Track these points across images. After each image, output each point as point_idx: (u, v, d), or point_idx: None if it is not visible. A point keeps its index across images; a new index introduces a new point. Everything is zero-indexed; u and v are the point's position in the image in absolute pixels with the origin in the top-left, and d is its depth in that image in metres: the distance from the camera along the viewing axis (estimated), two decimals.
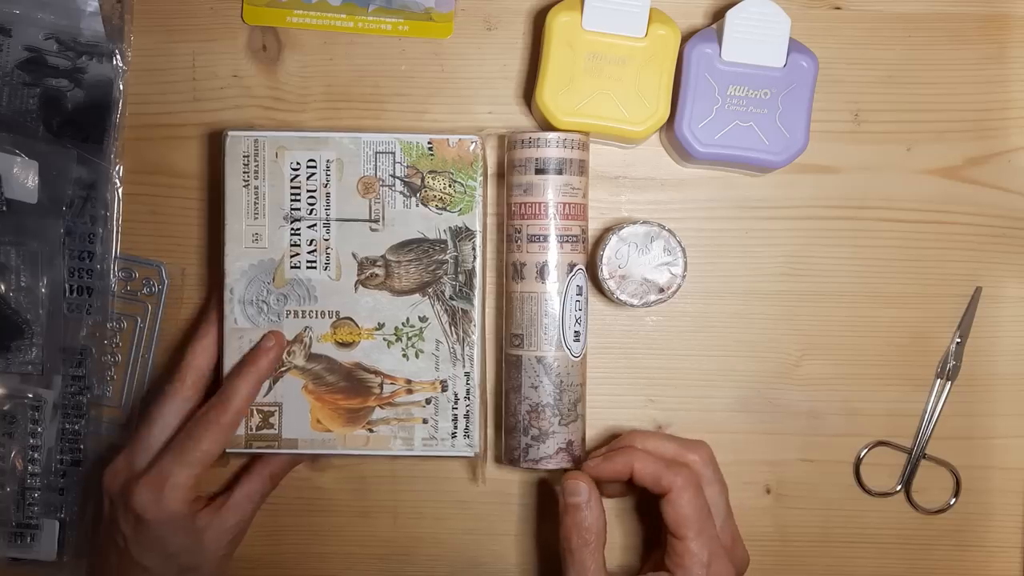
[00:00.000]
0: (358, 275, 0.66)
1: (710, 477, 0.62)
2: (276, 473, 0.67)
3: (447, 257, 0.66)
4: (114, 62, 0.68)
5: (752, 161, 0.65)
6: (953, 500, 0.70)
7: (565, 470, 0.64)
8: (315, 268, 0.65)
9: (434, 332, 0.66)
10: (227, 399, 0.62)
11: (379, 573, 0.70)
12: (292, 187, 0.65)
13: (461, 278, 0.66)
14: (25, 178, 0.66)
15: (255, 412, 0.65)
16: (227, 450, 0.66)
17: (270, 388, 0.65)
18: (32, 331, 0.67)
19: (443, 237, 0.66)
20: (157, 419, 0.63)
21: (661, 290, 0.65)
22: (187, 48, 0.70)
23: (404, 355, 0.66)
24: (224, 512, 0.64)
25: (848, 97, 0.70)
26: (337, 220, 0.65)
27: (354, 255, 0.65)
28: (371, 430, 0.66)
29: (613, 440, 0.64)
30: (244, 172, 0.65)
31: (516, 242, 0.65)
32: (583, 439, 0.66)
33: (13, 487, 0.67)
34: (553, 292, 0.64)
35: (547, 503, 0.70)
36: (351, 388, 0.66)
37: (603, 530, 0.60)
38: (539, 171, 0.64)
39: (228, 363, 0.65)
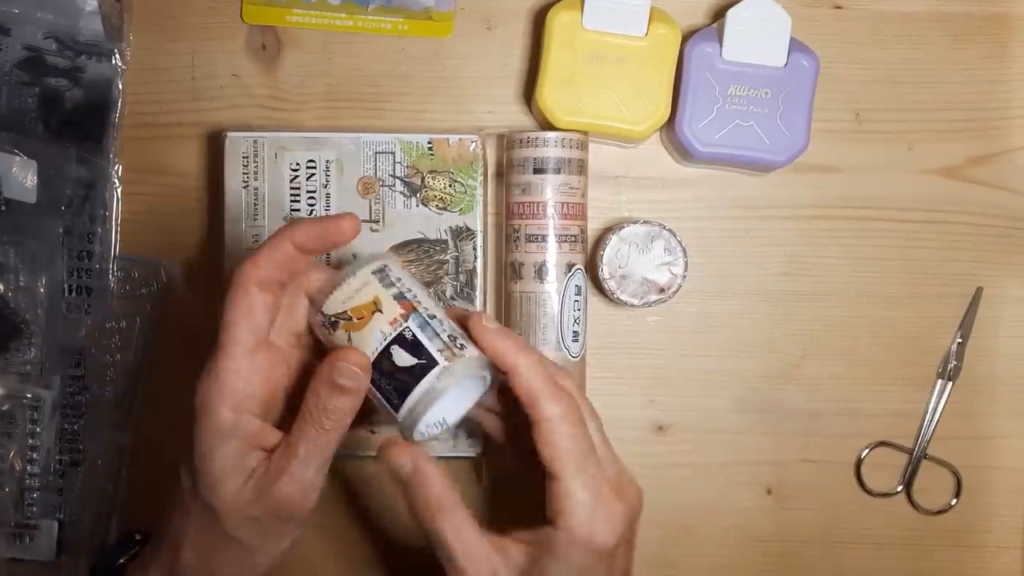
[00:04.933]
0: None
1: (587, 408, 0.54)
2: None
3: (448, 257, 0.66)
4: (113, 61, 0.68)
5: (753, 161, 0.65)
6: (954, 500, 0.70)
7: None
8: None
9: None
10: (254, 255, 0.51)
11: (379, 573, 0.70)
12: (292, 188, 0.65)
13: (462, 278, 0.66)
14: (24, 177, 0.66)
15: None
16: None
17: None
18: (31, 331, 0.67)
19: (444, 237, 0.66)
20: None
21: (661, 290, 0.64)
22: (186, 47, 0.70)
23: None
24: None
25: (849, 96, 0.70)
26: None
27: (355, 256, 0.65)
28: (373, 431, 0.65)
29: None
30: (244, 173, 0.65)
31: (514, 242, 0.65)
32: None
33: (12, 487, 0.67)
34: (551, 292, 0.64)
35: None
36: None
37: (450, 491, 0.51)
38: (537, 171, 0.64)
39: None
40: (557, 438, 0.50)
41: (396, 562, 0.70)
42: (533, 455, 0.51)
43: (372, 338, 0.50)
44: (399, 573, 0.70)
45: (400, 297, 0.50)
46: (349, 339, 0.50)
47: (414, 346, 0.49)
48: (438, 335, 0.50)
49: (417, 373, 0.49)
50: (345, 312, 0.50)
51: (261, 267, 0.50)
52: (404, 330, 0.50)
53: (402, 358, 0.49)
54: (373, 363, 0.50)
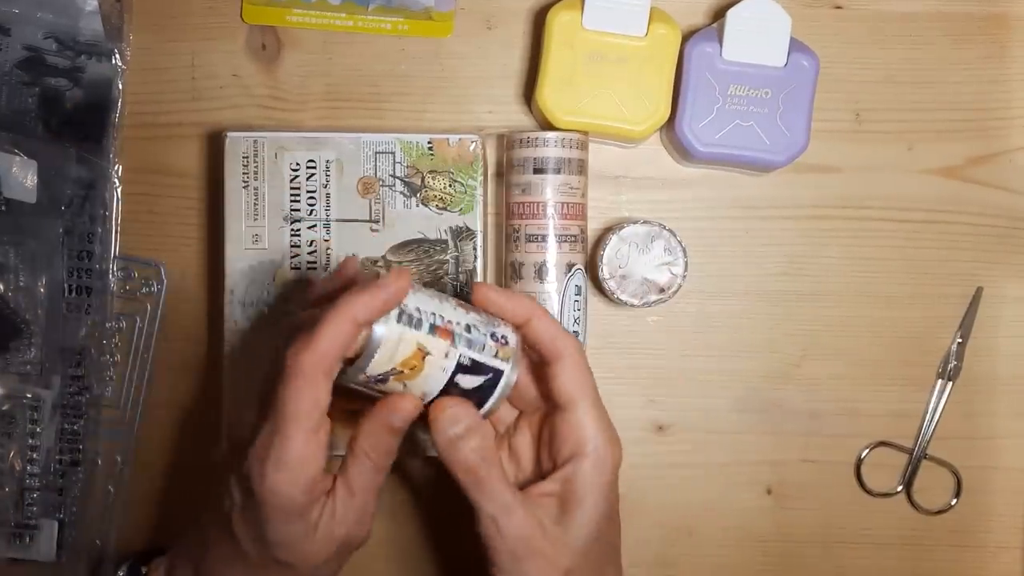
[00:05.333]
0: None
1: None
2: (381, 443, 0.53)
3: (448, 257, 0.66)
4: (113, 61, 0.68)
5: (753, 161, 0.65)
6: (954, 500, 0.70)
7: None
8: (315, 269, 0.65)
9: None
10: (311, 338, 0.49)
11: (379, 573, 0.70)
12: (292, 188, 0.65)
13: (462, 278, 0.66)
14: (24, 177, 0.66)
15: None
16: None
17: None
18: (31, 331, 0.67)
19: (444, 237, 0.65)
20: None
21: (661, 290, 0.64)
22: (186, 47, 0.70)
23: None
24: (335, 500, 0.52)
25: (849, 96, 0.70)
26: (337, 221, 0.65)
27: (354, 256, 0.65)
28: None
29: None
30: (244, 173, 0.65)
31: (514, 242, 0.65)
32: None
33: (12, 487, 0.67)
34: (551, 292, 0.64)
35: None
36: (353, 390, 0.65)
37: (494, 446, 0.52)
38: (537, 171, 0.64)
39: (229, 369, 0.65)
40: (579, 370, 0.54)
41: (395, 561, 0.70)
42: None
43: (432, 379, 0.51)
44: (398, 571, 0.70)
45: (433, 330, 0.50)
46: (405, 387, 0.51)
47: (475, 367, 0.51)
48: (482, 343, 0.51)
49: (488, 387, 0.51)
50: (394, 368, 0.50)
51: (327, 358, 0.49)
52: (460, 358, 0.50)
53: (470, 381, 0.51)
54: (442, 391, 0.51)
